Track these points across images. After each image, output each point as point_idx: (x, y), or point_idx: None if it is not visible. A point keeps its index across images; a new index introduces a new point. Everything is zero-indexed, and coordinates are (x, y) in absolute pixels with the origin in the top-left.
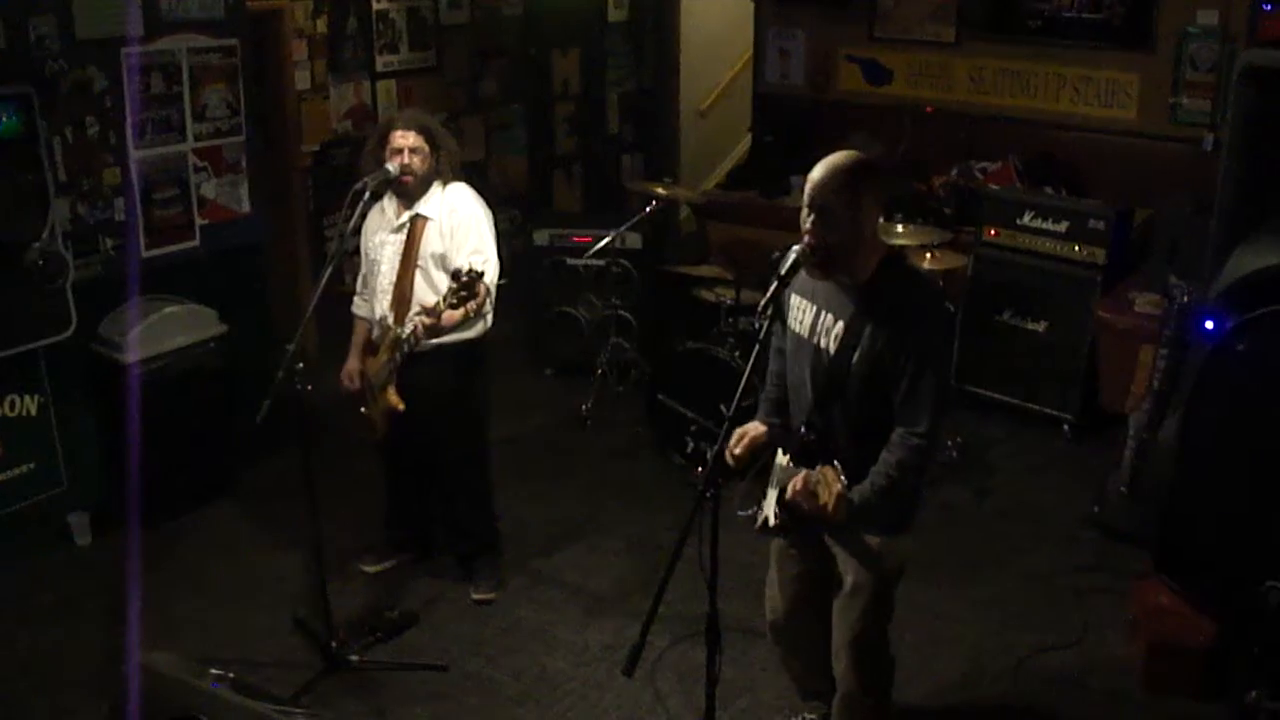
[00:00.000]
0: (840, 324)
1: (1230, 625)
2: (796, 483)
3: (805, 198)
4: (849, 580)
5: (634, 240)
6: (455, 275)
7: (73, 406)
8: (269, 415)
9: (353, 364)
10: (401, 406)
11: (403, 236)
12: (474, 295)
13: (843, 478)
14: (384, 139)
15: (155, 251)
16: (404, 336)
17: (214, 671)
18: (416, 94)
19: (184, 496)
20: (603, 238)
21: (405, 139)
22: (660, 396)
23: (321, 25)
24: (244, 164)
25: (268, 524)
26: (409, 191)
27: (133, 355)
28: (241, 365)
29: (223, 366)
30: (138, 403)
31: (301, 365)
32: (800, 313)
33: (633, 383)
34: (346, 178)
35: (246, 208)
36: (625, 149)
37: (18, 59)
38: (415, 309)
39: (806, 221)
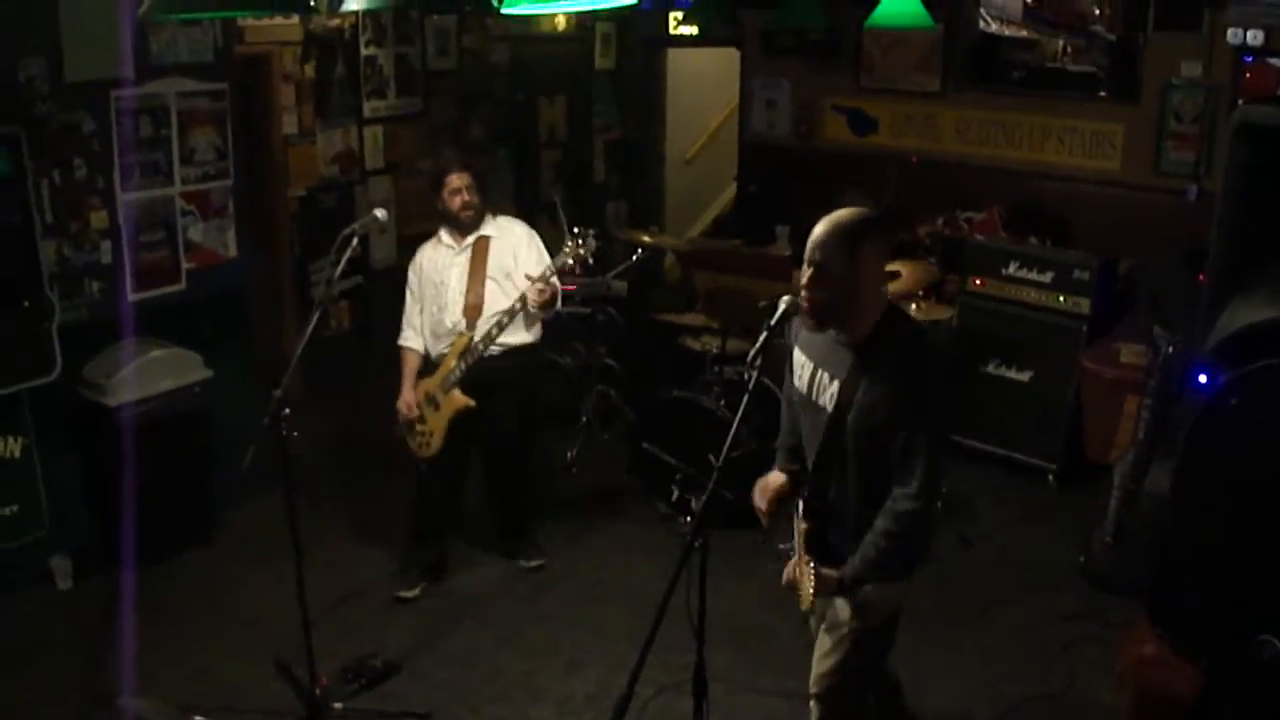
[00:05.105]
0: (836, 383)
1: (1220, 678)
2: (787, 572)
3: (806, 253)
4: (832, 619)
5: (620, 288)
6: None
7: (56, 449)
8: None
9: (408, 393)
10: (472, 403)
11: (468, 255)
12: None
13: (814, 575)
14: (439, 182)
15: (141, 294)
16: (476, 340)
17: (196, 718)
18: (403, 140)
19: (167, 541)
20: (588, 285)
21: (463, 179)
22: (645, 445)
23: (310, 70)
24: (231, 208)
25: (250, 568)
26: (470, 225)
27: (117, 398)
28: (225, 410)
29: (207, 411)
30: (122, 447)
31: (287, 411)
32: (801, 369)
33: (618, 431)
34: (333, 222)
35: (233, 251)
36: (610, 196)
37: (6, 100)
38: (489, 315)
39: (804, 277)
